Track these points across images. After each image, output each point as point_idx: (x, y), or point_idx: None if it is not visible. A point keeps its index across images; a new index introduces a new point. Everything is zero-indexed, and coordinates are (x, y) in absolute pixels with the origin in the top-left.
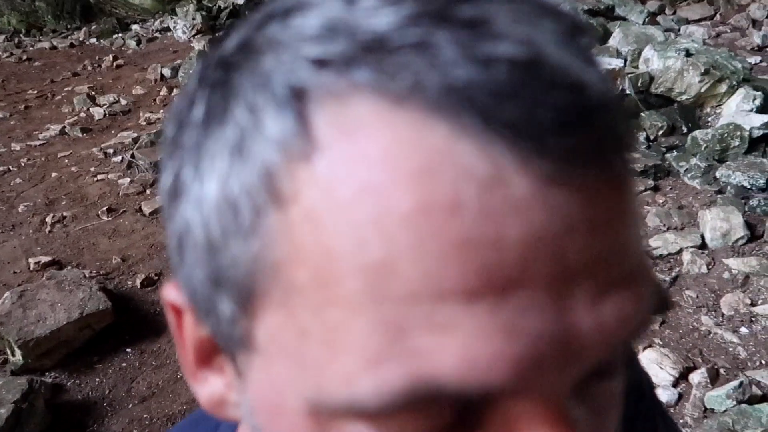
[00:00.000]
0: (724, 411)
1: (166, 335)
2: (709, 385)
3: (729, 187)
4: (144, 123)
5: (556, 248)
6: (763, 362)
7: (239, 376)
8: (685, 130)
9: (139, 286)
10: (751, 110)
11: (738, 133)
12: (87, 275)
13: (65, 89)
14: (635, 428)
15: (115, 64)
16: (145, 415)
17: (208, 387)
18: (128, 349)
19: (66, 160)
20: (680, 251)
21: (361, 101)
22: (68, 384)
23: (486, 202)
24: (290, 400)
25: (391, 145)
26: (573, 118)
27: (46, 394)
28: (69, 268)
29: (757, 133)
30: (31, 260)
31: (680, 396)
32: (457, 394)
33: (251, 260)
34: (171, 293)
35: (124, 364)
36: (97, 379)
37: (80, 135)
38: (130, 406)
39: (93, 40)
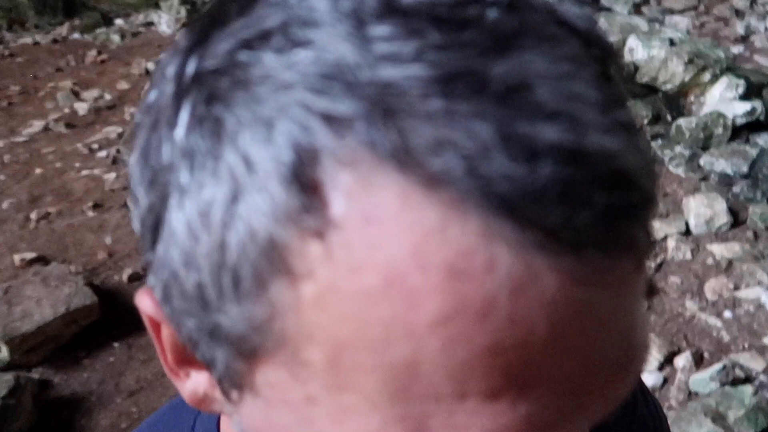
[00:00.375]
0: (708, 393)
1: None
2: (694, 369)
3: (713, 175)
4: (129, 118)
5: (581, 345)
6: (746, 345)
7: (228, 399)
8: (669, 119)
9: (126, 281)
10: (735, 98)
11: (721, 121)
12: (73, 271)
13: (48, 85)
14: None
15: (98, 59)
16: (133, 409)
17: (191, 383)
18: (116, 344)
19: (50, 156)
20: (665, 238)
21: (385, 180)
22: (55, 379)
23: (517, 306)
24: None
25: (420, 237)
26: (614, 218)
27: (33, 389)
28: (55, 264)
29: (740, 121)
30: (16, 257)
31: (665, 380)
32: None
33: (254, 325)
34: (146, 305)
35: (111, 359)
36: (85, 374)
37: (64, 131)
38: (118, 400)
39: (76, 35)
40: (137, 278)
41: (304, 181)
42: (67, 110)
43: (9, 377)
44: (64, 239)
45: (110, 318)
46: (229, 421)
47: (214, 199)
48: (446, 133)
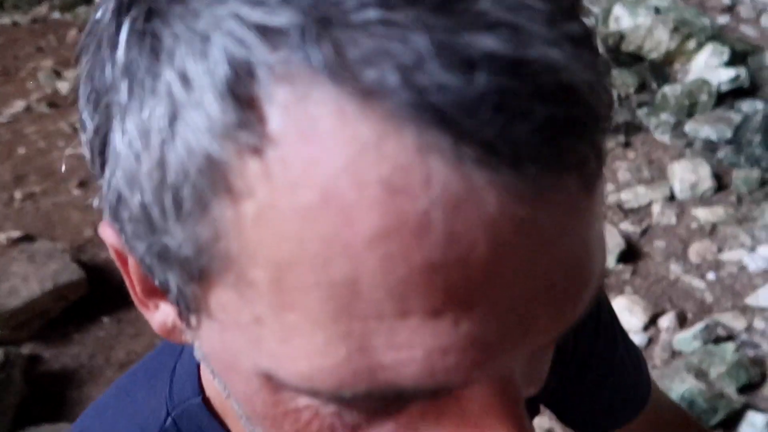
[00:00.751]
0: (691, 352)
1: None
2: (677, 329)
3: (697, 141)
4: None
5: (524, 264)
6: (728, 305)
7: (187, 324)
8: (655, 86)
9: (112, 258)
10: (719, 66)
11: (706, 89)
12: (59, 248)
13: (29, 65)
14: (596, 348)
15: (79, 38)
16: None
17: (160, 314)
18: (105, 319)
19: (33, 136)
20: (650, 204)
21: (320, 93)
22: (45, 354)
23: (455, 223)
24: (244, 362)
25: (356, 152)
26: (555, 133)
27: (22, 364)
28: (41, 241)
29: (724, 88)
30: (2, 235)
31: (650, 340)
32: (414, 393)
33: (199, 247)
34: (108, 234)
35: (101, 334)
36: (75, 349)
37: (47, 111)
38: (109, 373)
39: (56, 14)
40: None
41: (240, 96)
42: (48, 90)
43: None
44: (50, 217)
45: (98, 293)
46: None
47: (153, 118)
48: (382, 44)
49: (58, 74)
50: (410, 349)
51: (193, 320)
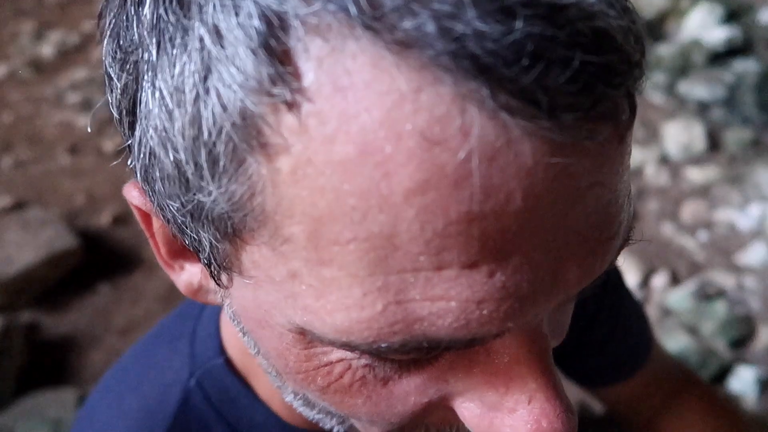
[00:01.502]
0: (684, 310)
1: (141, 270)
2: (670, 288)
3: (690, 101)
4: (97, 58)
5: (557, 214)
6: (720, 264)
7: (218, 283)
8: (649, 47)
9: (108, 224)
10: (713, 25)
11: (700, 48)
12: (53, 215)
13: (10, 29)
14: (604, 303)
15: None
16: (124, 347)
17: (186, 274)
18: (102, 286)
19: (18, 102)
20: (644, 165)
21: (355, 46)
22: (44, 322)
23: (492, 173)
24: (277, 318)
25: (392, 104)
26: (591, 80)
27: (22, 332)
28: (34, 209)
29: (718, 48)
30: None
31: (643, 299)
32: (448, 344)
33: (234, 203)
34: (134, 196)
35: (99, 301)
36: (74, 316)
37: (30, 76)
38: (109, 339)
39: None
40: (120, 221)
41: (274, 50)
42: (32, 54)
43: None
44: (41, 185)
45: (95, 261)
46: (228, 322)
47: (186, 74)
48: None
49: (40, 37)
50: (446, 300)
51: (224, 278)
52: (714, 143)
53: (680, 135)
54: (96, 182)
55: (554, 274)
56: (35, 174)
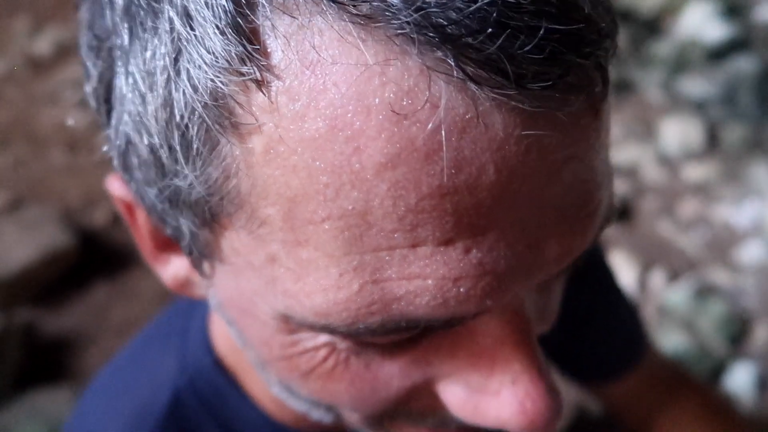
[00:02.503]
0: (680, 308)
1: (138, 269)
2: (667, 286)
3: (688, 98)
4: None
5: (533, 189)
6: (716, 261)
7: (201, 272)
8: (646, 44)
9: (104, 223)
10: (711, 21)
11: (697, 45)
12: (50, 213)
13: (4, 25)
14: (595, 300)
15: None
16: (122, 345)
17: (171, 268)
18: (99, 285)
19: (14, 99)
20: (641, 162)
21: (322, 21)
22: (41, 321)
23: (463, 146)
24: (260, 305)
25: (360, 78)
26: (560, 50)
27: (19, 331)
28: (30, 207)
29: (716, 44)
30: None
31: (640, 297)
32: (427, 323)
33: (210, 187)
34: (116, 188)
35: (96, 299)
36: (70, 315)
37: (26, 73)
38: (106, 338)
39: None
40: (116, 219)
41: (242, 29)
42: (27, 51)
43: None
44: (37, 183)
45: (92, 259)
46: (218, 319)
47: (157, 57)
48: None
49: (36, 33)
50: (422, 278)
51: (206, 267)
52: (712, 140)
53: (678, 132)
54: (93, 180)
55: (533, 251)
56: (32, 172)
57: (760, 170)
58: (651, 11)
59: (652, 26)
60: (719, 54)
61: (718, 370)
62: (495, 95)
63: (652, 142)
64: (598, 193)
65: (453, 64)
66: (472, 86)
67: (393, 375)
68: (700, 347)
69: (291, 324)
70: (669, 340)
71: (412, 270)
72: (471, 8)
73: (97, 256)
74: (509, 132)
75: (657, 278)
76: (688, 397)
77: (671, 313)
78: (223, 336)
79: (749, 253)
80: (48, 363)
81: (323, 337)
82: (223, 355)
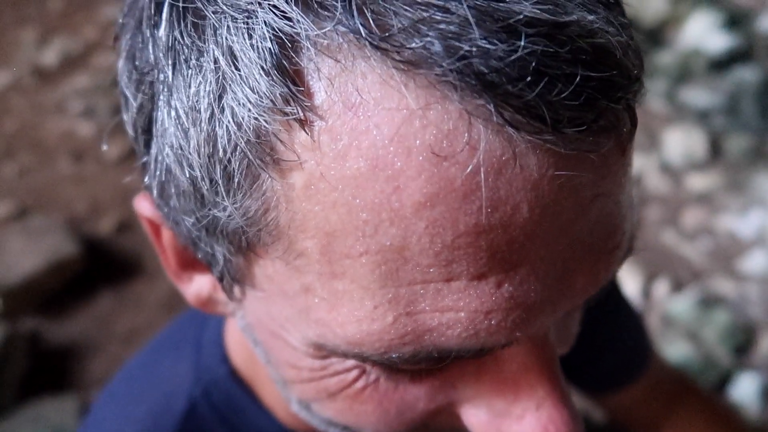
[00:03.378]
0: (685, 317)
1: (143, 278)
2: (671, 295)
3: (691, 108)
4: (100, 66)
5: (563, 225)
6: (721, 271)
7: (230, 297)
8: (649, 55)
9: (110, 231)
10: (713, 31)
11: (700, 55)
12: (55, 222)
13: (13, 36)
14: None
15: (62, 5)
16: (127, 354)
17: (195, 286)
18: (104, 293)
19: (21, 109)
20: (644, 172)
21: (365, 65)
22: (46, 329)
23: (499, 186)
24: (291, 332)
25: (402, 121)
26: (592, 95)
27: (24, 340)
28: (36, 216)
29: (718, 54)
30: None
31: (644, 306)
32: (458, 353)
33: (249, 218)
34: (145, 207)
35: (101, 308)
36: (75, 323)
37: (33, 83)
38: (110, 347)
39: None
40: (122, 228)
41: (287, 70)
42: (34, 61)
43: (0, 328)
44: (43, 192)
45: (97, 268)
46: (233, 330)
47: (201, 94)
48: (424, 15)
49: (42, 44)
50: (455, 311)
51: (237, 291)
52: (715, 150)
53: (681, 142)
54: (98, 190)
55: (561, 283)
56: (38, 181)
57: (764, 180)
58: (654, 22)
59: (655, 37)
60: (722, 64)
61: (723, 380)
62: (531, 138)
63: (655, 152)
64: (622, 226)
65: (492, 109)
66: (510, 130)
67: (419, 398)
68: (704, 357)
69: (323, 352)
70: (673, 351)
71: (446, 303)
72: (512, 57)
73: (102, 265)
74: (543, 173)
75: (661, 288)
76: (692, 406)
77: (675, 323)
78: (238, 346)
79: (754, 262)
80: (53, 371)
81: (353, 361)
82: (239, 366)
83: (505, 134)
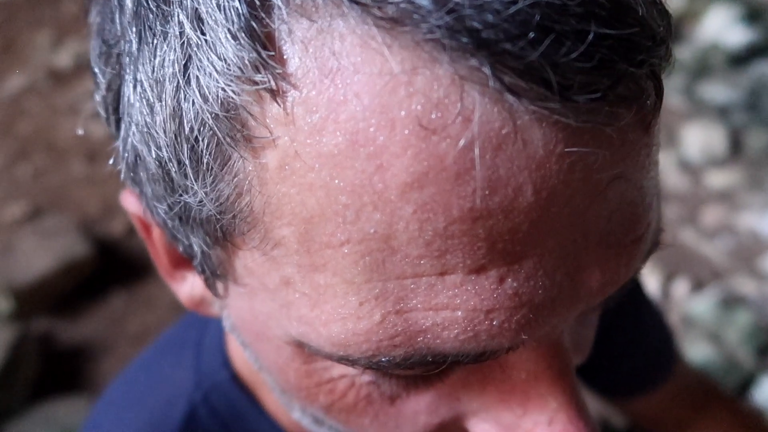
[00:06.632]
0: (705, 318)
1: (155, 278)
2: (691, 295)
3: (710, 104)
4: None
5: (575, 212)
6: (741, 270)
7: (214, 293)
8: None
9: (122, 232)
10: (732, 26)
11: (719, 50)
12: (68, 223)
13: (27, 38)
14: (623, 311)
15: (76, 7)
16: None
17: (187, 285)
18: (117, 293)
19: (35, 111)
20: (662, 169)
21: (344, 25)
22: (58, 329)
23: (498, 165)
24: (274, 330)
25: (385, 89)
26: (611, 57)
27: (36, 340)
28: (49, 216)
29: (737, 49)
30: (9, 211)
31: (663, 307)
32: (455, 358)
33: (222, 205)
34: (131, 203)
35: (113, 308)
36: (88, 324)
37: (47, 85)
38: (122, 347)
39: None
40: (133, 229)
41: (257, 34)
42: (48, 63)
43: (13, 328)
44: (57, 193)
45: (109, 268)
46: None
47: (166, 64)
48: None
49: (57, 46)
50: (451, 310)
51: (219, 288)
52: (735, 147)
53: (700, 138)
54: (111, 190)
55: (574, 280)
56: (51, 182)
57: None
58: (673, 15)
59: (675, 33)
60: (741, 59)
61: (746, 382)
62: (535, 108)
63: (673, 149)
64: (646, 216)
65: (489, 73)
66: (510, 98)
67: (419, 411)
68: (726, 359)
69: (306, 352)
70: (694, 352)
71: (440, 300)
72: (510, 10)
73: (114, 266)
74: (550, 149)
75: (680, 288)
76: (717, 412)
77: (696, 324)
78: (240, 350)
79: None
80: (64, 372)
81: (341, 368)
82: (241, 370)
83: (504, 103)
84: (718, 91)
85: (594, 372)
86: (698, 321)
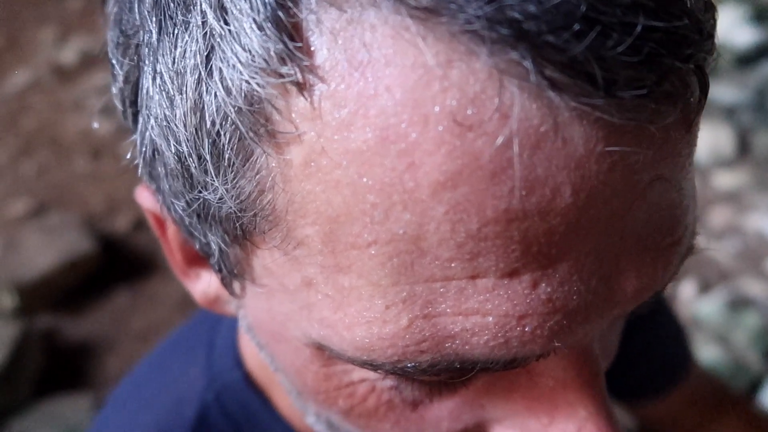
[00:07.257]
0: (713, 320)
1: (159, 275)
2: (699, 296)
3: (718, 104)
4: None
5: (614, 214)
6: (750, 272)
7: (231, 293)
8: None
9: (126, 229)
10: (740, 26)
11: (727, 50)
12: (73, 219)
13: (32, 35)
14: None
15: (81, 3)
16: (142, 352)
17: (202, 284)
18: (121, 290)
19: (39, 107)
20: None
21: (375, 15)
22: (62, 326)
23: (536, 164)
24: (293, 331)
25: (418, 83)
26: (659, 52)
27: (40, 337)
28: (54, 213)
29: (745, 50)
30: (13, 207)
31: None
32: (484, 365)
33: (242, 202)
34: (145, 199)
35: (117, 305)
36: (92, 321)
37: (52, 81)
38: (126, 344)
39: None
40: (139, 226)
41: (283, 24)
42: (52, 60)
43: (16, 325)
44: (61, 189)
45: (114, 265)
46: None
47: (187, 55)
48: None
49: (61, 42)
50: (481, 315)
51: (236, 287)
52: (742, 147)
53: (707, 139)
54: (115, 187)
55: (609, 285)
56: (56, 179)
57: None
58: None
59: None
60: (749, 59)
61: (754, 385)
62: (577, 104)
63: None
64: (684, 219)
65: (530, 66)
66: (551, 93)
67: (442, 417)
68: (734, 361)
69: (326, 354)
70: (701, 354)
71: (470, 305)
72: (554, 1)
73: (118, 263)
74: (591, 148)
75: (688, 289)
76: (730, 416)
77: (703, 326)
78: (253, 350)
79: None
80: (68, 369)
81: (362, 372)
82: (253, 370)
83: (544, 98)
84: (725, 91)
85: (607, 375)
86: (705, 323)
